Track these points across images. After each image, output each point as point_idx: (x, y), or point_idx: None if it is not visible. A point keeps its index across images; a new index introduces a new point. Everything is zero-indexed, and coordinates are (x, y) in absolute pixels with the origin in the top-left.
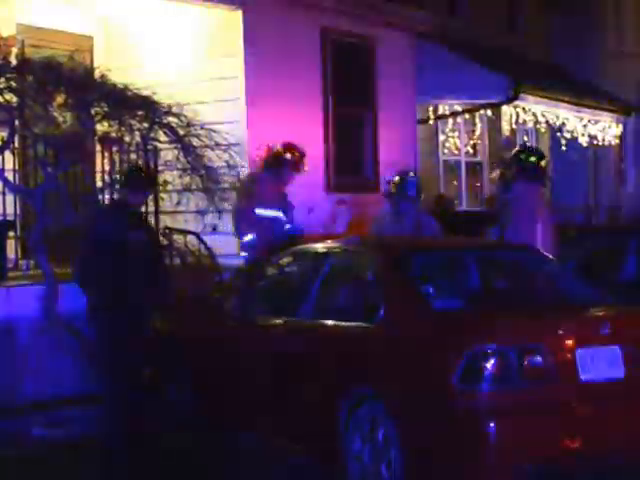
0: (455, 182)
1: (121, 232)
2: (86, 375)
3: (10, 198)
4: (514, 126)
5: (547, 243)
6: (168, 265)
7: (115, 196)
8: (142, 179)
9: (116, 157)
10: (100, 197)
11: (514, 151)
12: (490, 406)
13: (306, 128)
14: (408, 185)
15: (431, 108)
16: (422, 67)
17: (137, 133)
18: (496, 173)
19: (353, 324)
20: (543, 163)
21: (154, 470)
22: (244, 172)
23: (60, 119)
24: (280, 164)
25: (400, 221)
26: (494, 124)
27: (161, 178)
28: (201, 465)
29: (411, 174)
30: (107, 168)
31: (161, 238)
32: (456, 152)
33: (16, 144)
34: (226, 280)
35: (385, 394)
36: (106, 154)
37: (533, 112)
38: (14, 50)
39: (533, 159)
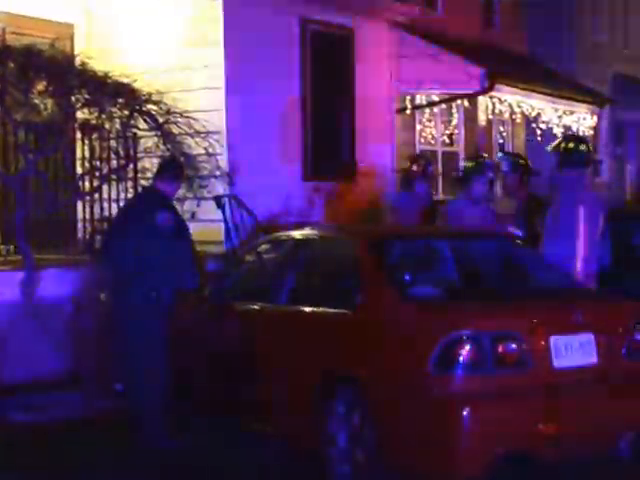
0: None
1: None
2: (65, 360)
3: None
4: (490, 116)
5: (590, 248)
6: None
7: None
8: (177, 170)
9: (96, 144)
10: (80, 184)
11: (557, 141)
12: (464, 392)
13: (284, 117)
14: (484, 167)
15: (408, 98)
16: (400, 57)
17: (117, 120)
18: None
19: (330, 310)
20: (582, 147)
21: None
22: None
23: (41, 106)
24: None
25: (476, 207)
26: (471, 114)
27: (140, 165)
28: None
29: (484, 155)
30: (87, 155)
31: None
32: (433, 142)
33: None
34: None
35: (361, 378)
36: (86, 141)
37: (509, 103)
38: None
39: (571, 145)
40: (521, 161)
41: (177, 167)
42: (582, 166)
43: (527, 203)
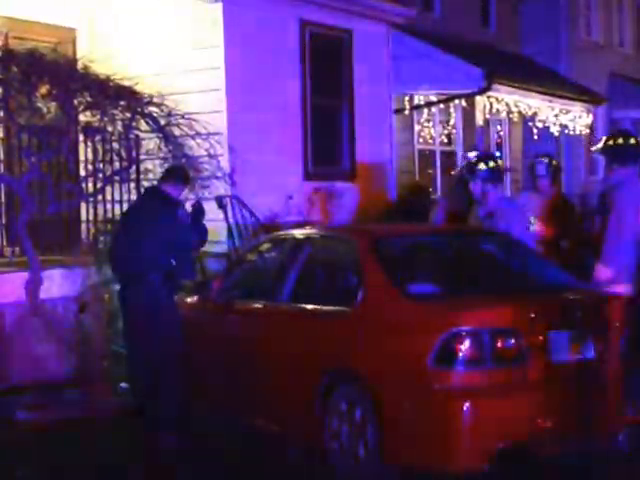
0: (430, 171)
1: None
2: (70, 359)
3: None
4: (488, 116)
5: None
6: None
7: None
8: (183, 175)
9: (99, 146)
10: (83, 185)
11: (604, 139)
12: (464, 387)
13: (285, 118)
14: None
15: (407, 98)
16: (398, 58)
17: (119, 123)
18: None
19: (332, 308)
20: (633, 140)
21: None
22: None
23: (44, 109)
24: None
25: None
26: (468, 114)
27: (143, 167)
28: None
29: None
30: (90, 157)
31: None
32: (431, 142)
33: (0, 134)
34: (208, 266)
35: (363, 375)
36: (89, 143)
37: (506, 102)
38: None
39: (621, 140)
40: (554, 162)
41: (184, 172)
42: (636, 161)
43: (555, 201)
